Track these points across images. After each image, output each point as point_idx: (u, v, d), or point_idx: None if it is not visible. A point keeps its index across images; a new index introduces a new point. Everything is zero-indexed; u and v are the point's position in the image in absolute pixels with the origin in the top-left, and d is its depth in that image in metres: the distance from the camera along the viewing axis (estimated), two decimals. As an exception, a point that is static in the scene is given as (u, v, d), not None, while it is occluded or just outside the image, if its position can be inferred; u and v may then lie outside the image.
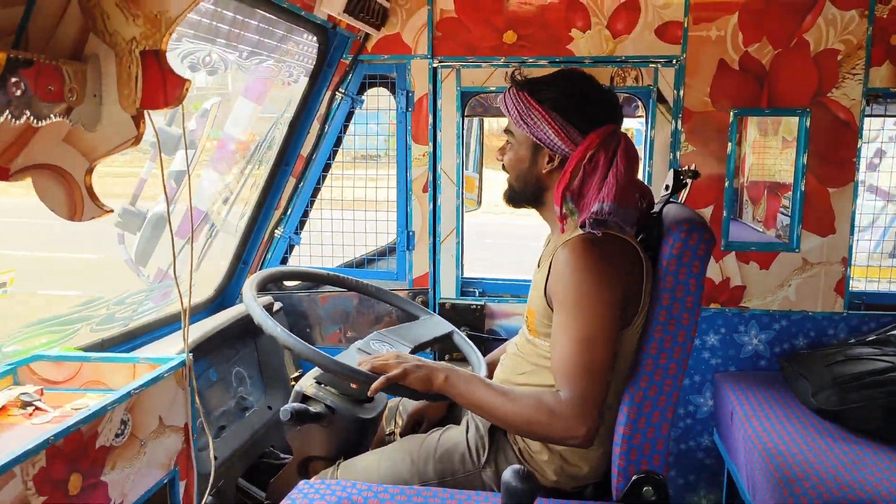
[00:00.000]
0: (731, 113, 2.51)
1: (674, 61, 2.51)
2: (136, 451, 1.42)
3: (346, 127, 2.75)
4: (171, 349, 1.93)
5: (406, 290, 2.73)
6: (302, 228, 2.83)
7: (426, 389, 1.55)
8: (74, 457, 1.25)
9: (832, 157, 2.50)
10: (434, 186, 2.69)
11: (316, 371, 1.87)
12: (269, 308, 2.56)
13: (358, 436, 1.86)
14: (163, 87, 1.16)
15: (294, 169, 2.73)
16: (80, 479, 1.26)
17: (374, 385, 1.53)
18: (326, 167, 2.77)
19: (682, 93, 2.52)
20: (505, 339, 2.43)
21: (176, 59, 3.00)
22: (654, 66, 2.54)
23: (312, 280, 2.34)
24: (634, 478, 1.52)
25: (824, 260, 2.55)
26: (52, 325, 3.35)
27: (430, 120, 2.65)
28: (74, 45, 1.16)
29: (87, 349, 1.87)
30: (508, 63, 2.57)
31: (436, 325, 2.07)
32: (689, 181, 1.74)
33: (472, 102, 2.83)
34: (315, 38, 2.57)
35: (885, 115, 2.77)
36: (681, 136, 2.54)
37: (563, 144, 1.57)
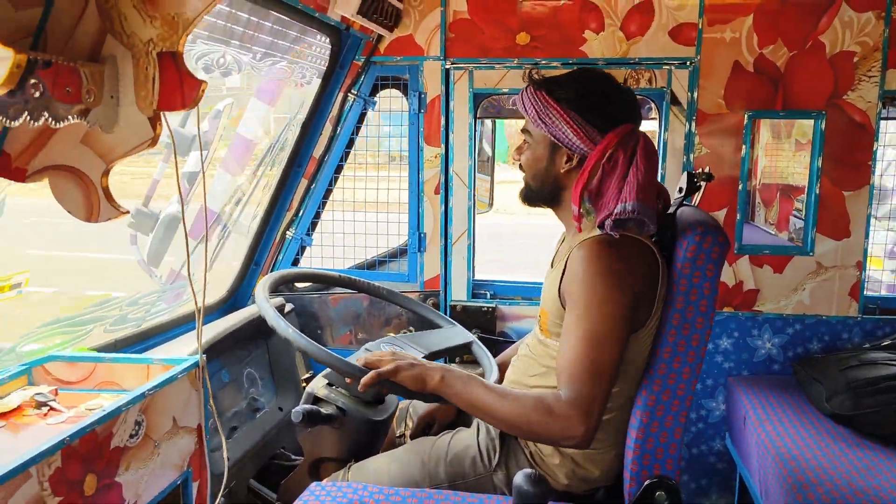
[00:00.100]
0: (746, 115, 2.49)
1: (688, 63, 2.50)
2: (150, 451, 1.43)
3: (358, 128, 2.76)
4: (184, 350, 1.94)
5: (417, 292, 2.73)
6: (314, 230, 2.83)
7: (419, 388, 1.52)
8: (90, 457, 1.25)
9: (847, 159, 2.47)
10: (446, 188, 2.69)
11: (327, 372, 1.87)
12: (280, 309, 2.57)
13: (369, 438, 1.85)
14: (180, 89, 1.16)
15: (306, 170, 2.74)
16: (95, 480, 1.26)
17: (364, 380, 1.51)
18: (338, 168, 2.78)
19: (696, 95, 2.51)
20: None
21: (190, 61, 3.02)
22: (667, 67, 2.53)
23: (324, 282, 2.33)
24: (647, 482, 1.51)
25: (839, 264, 2.53)
26: (65, 326, 3.37)
27: (443, 121, 2.65)
28: (92, 47, 1.17)
29: (100, 350, 1.88)
30: (521, 64, 2.56)
31: (456, 335, 2.04)
32: (703, 184, 1.73)
33: (485, 104, 2.83)
34: (328, 40, 2.58)
35: (901, 118, 2.75)
36: (694, 139, 2.53)
37: (582, 143, 1.56)
